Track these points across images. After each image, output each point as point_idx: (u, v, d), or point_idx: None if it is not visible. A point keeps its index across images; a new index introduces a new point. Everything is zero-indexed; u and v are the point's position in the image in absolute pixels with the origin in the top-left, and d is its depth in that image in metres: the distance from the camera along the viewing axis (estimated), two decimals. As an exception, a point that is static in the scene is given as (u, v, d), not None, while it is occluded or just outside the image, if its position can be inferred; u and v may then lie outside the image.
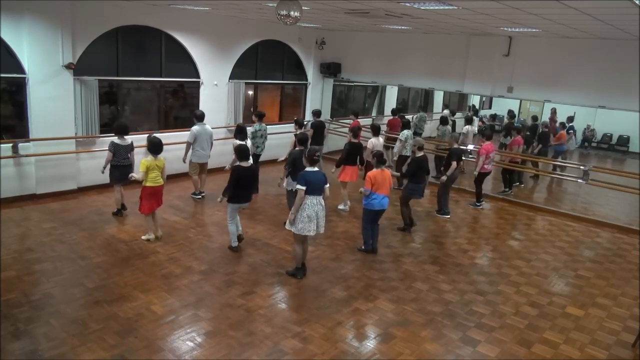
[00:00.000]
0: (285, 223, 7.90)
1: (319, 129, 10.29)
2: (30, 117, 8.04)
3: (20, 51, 7.71)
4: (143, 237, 6.96)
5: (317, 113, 10.62)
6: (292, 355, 4.57)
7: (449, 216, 9.01)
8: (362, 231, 7.13)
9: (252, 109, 12.06)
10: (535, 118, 13.86)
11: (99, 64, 8.83)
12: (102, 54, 8.87)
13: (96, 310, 5.08)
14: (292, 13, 5.93)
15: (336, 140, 12.96)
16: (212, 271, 6.19)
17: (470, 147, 11.14)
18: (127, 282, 5.73)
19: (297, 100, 13.52)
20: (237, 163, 6.56)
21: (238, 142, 7.60)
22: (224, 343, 4.68)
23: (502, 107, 17.09)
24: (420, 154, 8.01)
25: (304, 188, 5.68)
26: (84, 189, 8.88)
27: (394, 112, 13.02)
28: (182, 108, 10.89)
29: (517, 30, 8.73)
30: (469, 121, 12.14)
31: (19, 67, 7.77)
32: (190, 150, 8.62)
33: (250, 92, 12.07)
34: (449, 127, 12.06)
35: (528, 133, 11.89)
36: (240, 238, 6.91)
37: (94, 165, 8.84)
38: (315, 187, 5.76)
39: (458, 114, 15.60)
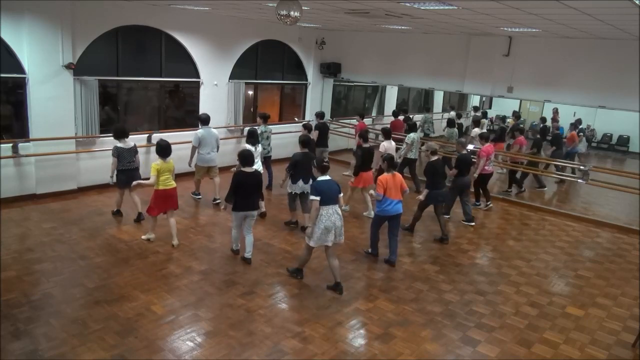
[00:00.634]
0: (286, 222, 8.03)
1: (323, 130, 10.27)
2: (30, 117, 8.04)
3: (20, 51, 7.71)
4: (143, 237, 6.96)
5: (320, 115, 10.59)
6: (292, 355, 4.57)
7: (473, 223, 8.74)
8: (371, 236, 6.97)
9: (252, 109, 12.06)
10: (544, 120, 13.61)
11: (99, 64, 8.83)
12: (102, 54, 8.87)
13: (96, 310, 5.08)
14: (292, 13, 5.93)
15: (336, 140, 12.95)
16: (212, 271, 6.19)
17: (470, 147, 11.06)
18: (127, 282, 5.73)
19: (297, 101, 13.52)
20: (240, 168, 6.32)
21: (249, 146, 7.51)
22: (224, 343, 4.68)
23: (502, 107, 17.05)
24: (434, 157, 7.79)
25: (317, 198, 5.54)
26: (84, 189, 8.87)
27: (395, 113, 12.50)
28: (182, 108, 10.88)
29: (517, 30, 8.74)
30: (477, 123, 11.82)
31: (19, 67, 7.77)
32: (196, 154, 8.54)
33: (250, 92, 12.06)
34: (456, 130, 11.86)
35: (538, 136, 11.31)
36: (247, 261, 6.47)
37: (93, 165, 8.87)
38: (328, 196, 5.62)
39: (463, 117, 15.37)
